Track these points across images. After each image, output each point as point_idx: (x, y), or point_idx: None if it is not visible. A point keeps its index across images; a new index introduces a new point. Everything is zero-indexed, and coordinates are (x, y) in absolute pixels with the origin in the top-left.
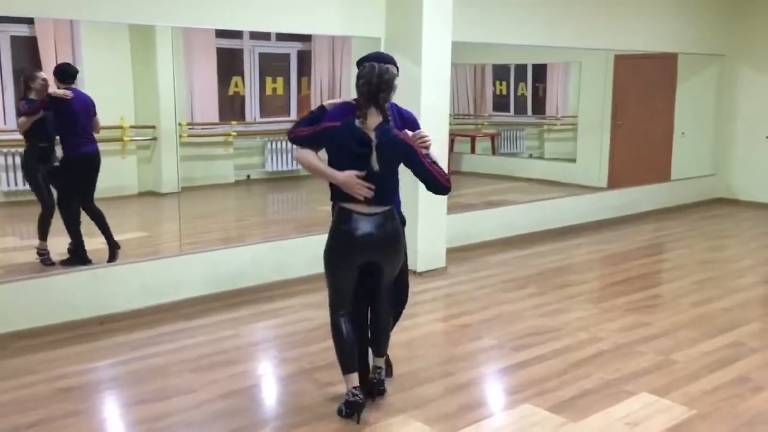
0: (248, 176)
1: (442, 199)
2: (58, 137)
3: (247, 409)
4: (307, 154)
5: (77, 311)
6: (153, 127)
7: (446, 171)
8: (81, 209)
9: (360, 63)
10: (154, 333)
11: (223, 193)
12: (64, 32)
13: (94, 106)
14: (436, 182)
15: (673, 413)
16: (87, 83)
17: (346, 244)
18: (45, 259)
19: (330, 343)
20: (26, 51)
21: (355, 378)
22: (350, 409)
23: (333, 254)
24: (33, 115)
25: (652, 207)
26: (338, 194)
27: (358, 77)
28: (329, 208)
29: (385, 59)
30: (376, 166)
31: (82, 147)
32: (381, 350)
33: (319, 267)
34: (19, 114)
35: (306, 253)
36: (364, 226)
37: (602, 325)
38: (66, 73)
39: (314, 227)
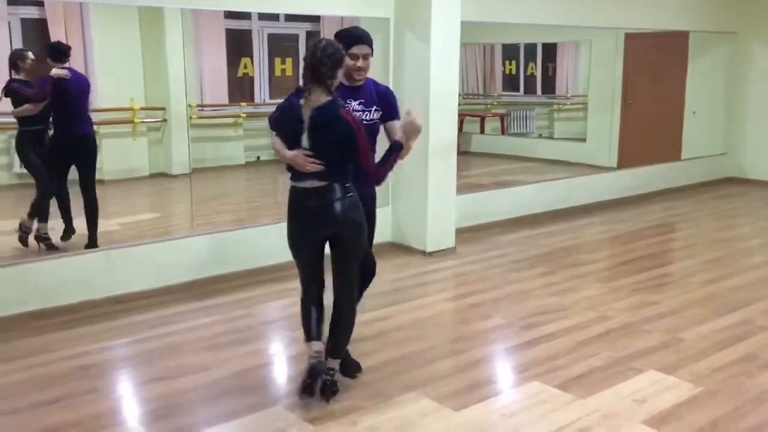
0: (258, 157)
1: (451, 180)
2: (51, 118)
3: (259, 387)
4: (275, 141)
5: (93, 291)
6: (163, 108)
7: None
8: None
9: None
10: (168, 312)
11: (233, 175)
12: (74, 15)
13: (89, 85)
14: (364, 172)
15: (681, 390)
16: (97, 65)
17: (294, 220)
18: (48, 244)
19: None
20: (36, 33)
21: (316, 344)
22: (312, 378)
23: (288, 231)
24: (42, 102)
25: (663, 186)
26: (291, 172)
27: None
28: None
29: (351, 33)
30: (306, 143)
31: (76, 128)
32: (335, 350)
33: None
34: (16, 98)
35: None
36: (307, 201)
37: (611, 304)
38: (59, 52)
39: None
